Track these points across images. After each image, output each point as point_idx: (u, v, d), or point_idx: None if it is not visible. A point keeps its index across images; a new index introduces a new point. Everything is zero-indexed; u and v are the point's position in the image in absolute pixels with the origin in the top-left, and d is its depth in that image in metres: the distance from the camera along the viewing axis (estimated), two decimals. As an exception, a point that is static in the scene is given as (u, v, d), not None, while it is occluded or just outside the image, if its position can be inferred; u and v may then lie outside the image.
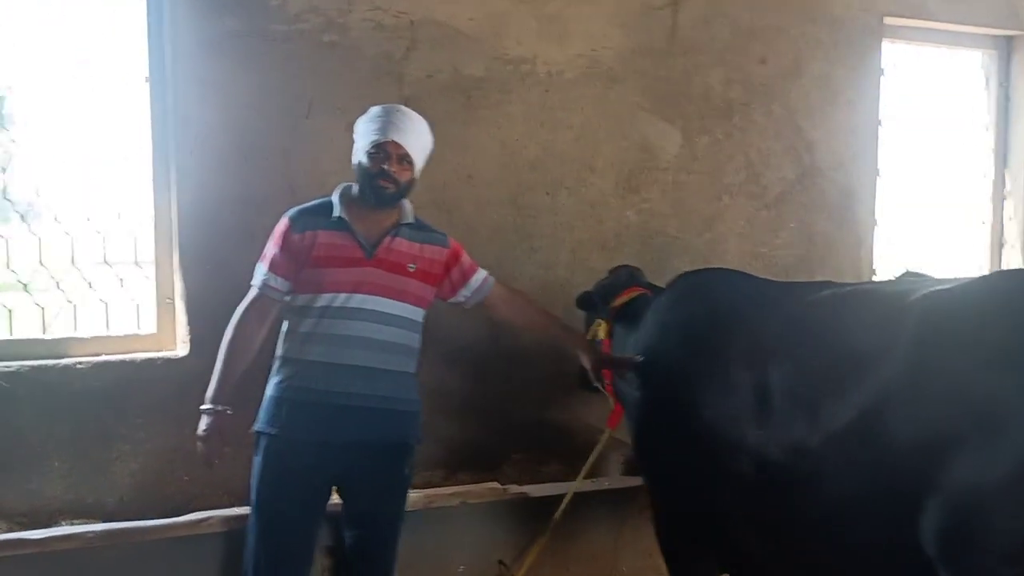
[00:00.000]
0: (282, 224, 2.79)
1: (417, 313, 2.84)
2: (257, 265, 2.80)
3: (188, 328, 3.28)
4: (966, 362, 1.79)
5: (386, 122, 2.72)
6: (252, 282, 2.79)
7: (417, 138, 2.78)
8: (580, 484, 3.20)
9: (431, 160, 3.45)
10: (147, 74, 3.28)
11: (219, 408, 2.73)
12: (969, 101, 4.79)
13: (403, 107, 2.81)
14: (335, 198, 2.80)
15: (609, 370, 2.99)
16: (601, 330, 3.07)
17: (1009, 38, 4.77)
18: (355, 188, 2.81)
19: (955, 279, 2.11)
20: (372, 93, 3.41)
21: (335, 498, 2.84)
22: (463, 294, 2.97)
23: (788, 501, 2.07)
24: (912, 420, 1.82)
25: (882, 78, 4.43)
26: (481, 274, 3.00)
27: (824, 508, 1.98)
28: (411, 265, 2.79)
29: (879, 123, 4.44)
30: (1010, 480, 1.65)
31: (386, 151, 2.71)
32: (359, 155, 2.76)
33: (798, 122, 4.22)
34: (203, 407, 2.74)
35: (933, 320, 1.89)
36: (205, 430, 2.72)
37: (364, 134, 2.75)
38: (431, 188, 3.59)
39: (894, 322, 1.93)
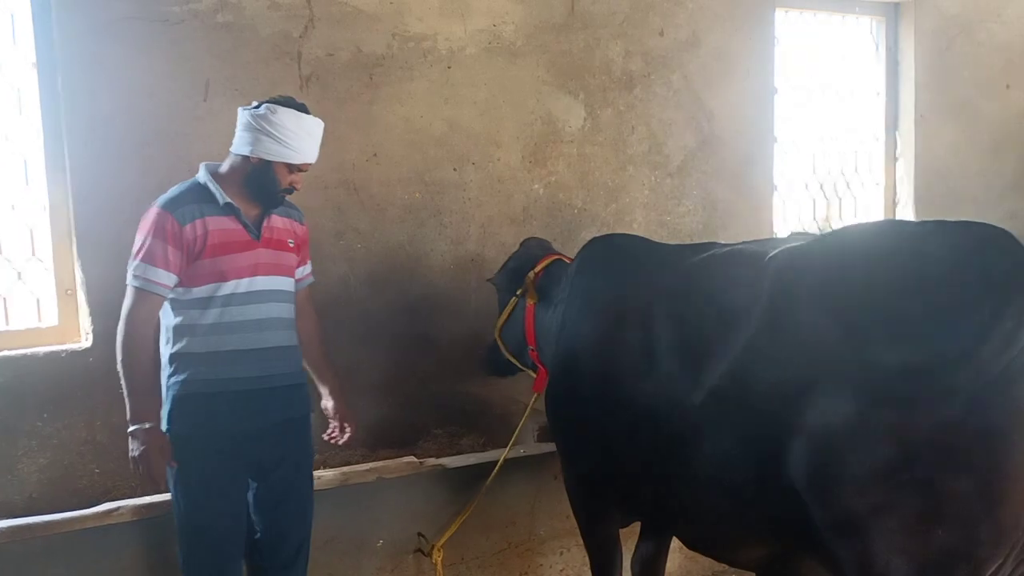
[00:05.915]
0: (159, 216, 2.61)
1: (294, 286, 2.90)
2: (133, 263, 2.62)
3: (91, 319, 3.22)
4: (808, 314, 1.95)
5: (314, 144, 2.74)
6: (130, 282, 2.60)
7: None
8: (504, 453, 3.26)
9: (336, 139, 3.46)
10: (34, 59, 3.18)
11: (148, 426, 2.56)
12: (860, 67, 4.97)
13: (317, 118, 2.76)
14: (207, 182, 2.70)
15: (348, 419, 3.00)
16: (530, 298, 3.12)
17: (896, 4, 4.97)
18: (222, 167, 2.76)
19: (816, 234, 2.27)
20: (270, 73, 3.39)
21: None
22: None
23: (679, 453, 2.19)
24: (771, 372, 1.97)
25: (776, 47, 4.57)
26: (309, 267, 3.01)
27: (710, 458, 2.10)
28: (291, 241, 2.84)
29: (775, 91, 4.59)
30: (853, 420, 1.79)
31: (300, 169, 2.75)
32: (270, 155, 2.66)
33: (697, 92, 4.33)
34: (130, 429, 2.57)
35: (783, 276, 2.04)
36: (141, 450, 2.55)
37: (285, 143, 2.65)
38: (338, 168, 3.59)
39: (757, 280, 2.06)
